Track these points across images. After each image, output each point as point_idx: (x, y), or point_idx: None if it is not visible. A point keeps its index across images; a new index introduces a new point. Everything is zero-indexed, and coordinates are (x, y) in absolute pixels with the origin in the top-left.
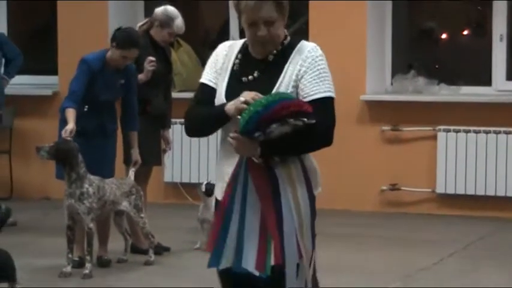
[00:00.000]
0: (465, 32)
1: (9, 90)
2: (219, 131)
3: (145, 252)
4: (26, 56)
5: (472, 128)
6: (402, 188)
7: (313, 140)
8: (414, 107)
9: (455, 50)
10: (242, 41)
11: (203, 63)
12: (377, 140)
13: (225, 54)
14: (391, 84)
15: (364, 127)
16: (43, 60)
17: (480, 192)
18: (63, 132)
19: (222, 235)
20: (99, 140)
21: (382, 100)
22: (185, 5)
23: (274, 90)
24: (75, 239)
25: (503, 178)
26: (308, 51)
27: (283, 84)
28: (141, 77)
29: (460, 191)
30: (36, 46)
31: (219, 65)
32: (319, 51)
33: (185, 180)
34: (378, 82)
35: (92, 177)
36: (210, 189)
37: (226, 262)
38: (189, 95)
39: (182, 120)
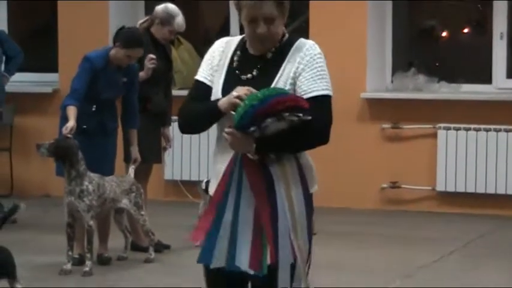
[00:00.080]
0: (465, 30)
1: (9, 87)
2: (215, 128)
3: (145, 249)
4: (26, 53)
5: (472, 126)
6: (402, 185)
7: (309, 137)
8: (414, 104)
9: (456, 48)
10: (240, 37)
11: None
12: (377, 137)
13: (221, 51)
14: (392, 82)
15: (364, 125)
16: (43, 58)
17: (480, 190)
18: (63, 129)
19: (213, 231)
20: (100, 138)
21: (383, 98)
22: (186, 3)
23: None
24: (75, 236)
25: (503, 176)
26: (306, 49)
27: (281, 82)
28: (141, 74)
29: (460, 189)
30: (37, 43)
31: (215, 61)
32: (318, 49)
33: (185, 177)
34: (378, 80)
35: (91, 174)
36: None
37: (218, 262)
38: None
39: None
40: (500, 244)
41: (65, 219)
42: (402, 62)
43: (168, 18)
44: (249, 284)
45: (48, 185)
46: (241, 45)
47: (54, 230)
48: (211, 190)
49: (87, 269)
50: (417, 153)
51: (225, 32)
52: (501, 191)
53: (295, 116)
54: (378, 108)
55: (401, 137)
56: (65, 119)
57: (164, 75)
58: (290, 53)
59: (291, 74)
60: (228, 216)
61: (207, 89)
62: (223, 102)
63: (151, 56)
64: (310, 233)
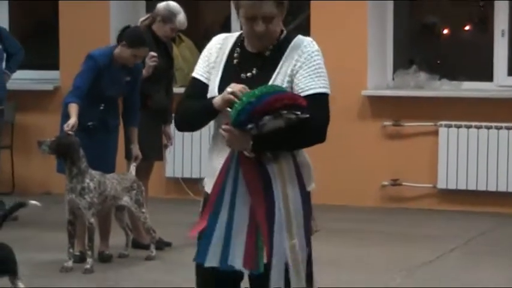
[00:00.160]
0: (467, 28)
1: (10, 85)
2: (212, 126)
3: (146, 247)
4: (27, 51)
5: (473, 124)
6: (403, 183)
7: (306, 135)
8: (416, 102)
9: (457, 45)
10: (237, 33)
11: None
12: (378, 135)
13: (219, 48)
14: (393, 79)
15: (365, 122)
16: (44, 55)
17: (481, 187)
18: (65, 126)
19: (209, 229)
20: (101, 135)
21: (384, 95)
22: (187, 1)
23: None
24: (76, 233)
25: (504, 173)
26: (304, 46)
27: (278, 79)
28: (142, 72)
29: (461, 186)
30: (38, 41)
31: (212, 58)
32: (316, 47)
33: (186, 175)
34: (380, 77)
35: (93, 172)
36: None
37: (211, 261)
38: None
39: None
40: (501, 242)
41: (66, 216)
42: (403, 59)
43: (170, 16)
44: (241, 284)
45: (49, 183)
46: (240, 42)
47: (55, 228)
48: (208, 188)
49: (88, 266)
50: (418, 151)
51: (226, 29)
52: (502, 188)
53: (293, 114)
54: (379, 106)
55: (402, 134)
56: (66, 117)
57: (165, 72)
58: (288, 51)
59: (289, 72)
60: (223, 214)
61: (203, 87)
62: (217, 100)
63: (153, 53)
64: (308, 232)
